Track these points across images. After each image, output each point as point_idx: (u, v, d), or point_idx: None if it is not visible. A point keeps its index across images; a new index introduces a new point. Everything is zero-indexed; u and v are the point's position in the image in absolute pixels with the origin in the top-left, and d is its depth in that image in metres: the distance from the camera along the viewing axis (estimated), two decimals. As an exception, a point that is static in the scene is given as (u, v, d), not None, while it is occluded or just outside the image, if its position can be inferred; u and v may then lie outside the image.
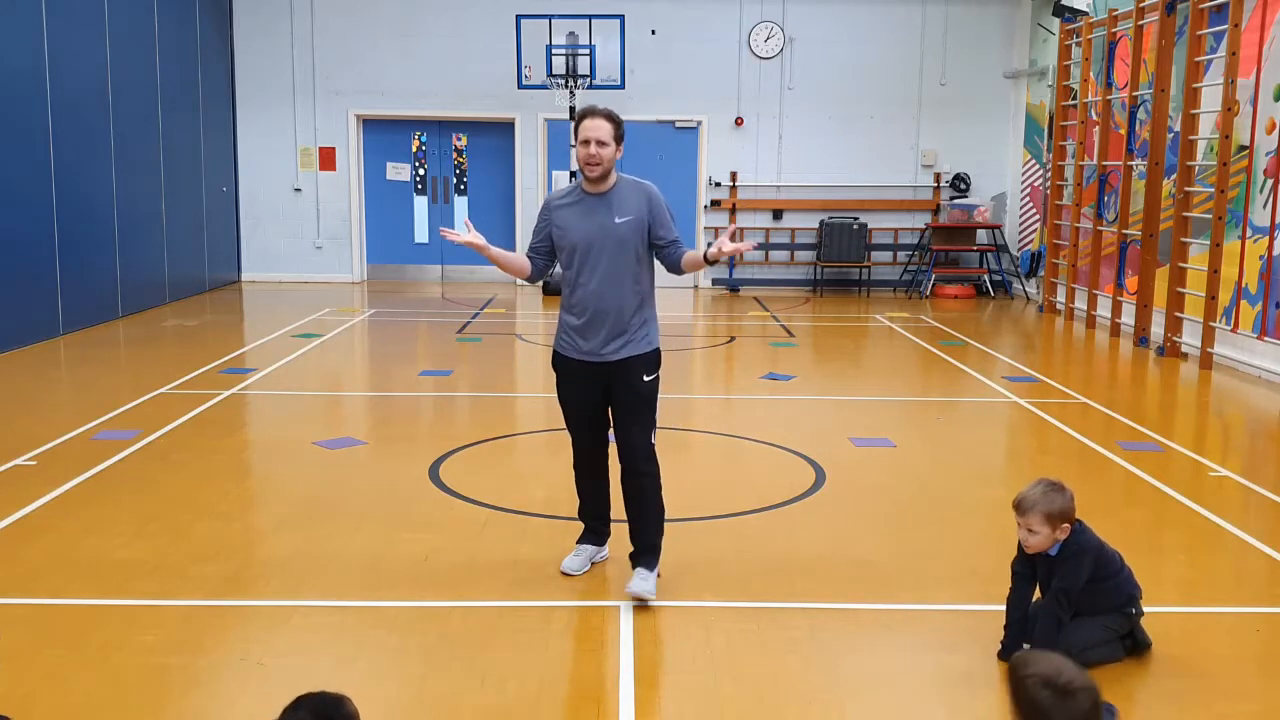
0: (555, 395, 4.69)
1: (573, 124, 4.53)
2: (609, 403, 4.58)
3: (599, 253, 4.42)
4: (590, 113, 4.42)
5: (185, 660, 3.89)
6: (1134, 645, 3.98)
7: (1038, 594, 4.01)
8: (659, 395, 4.60)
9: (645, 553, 4.54)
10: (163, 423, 7.25)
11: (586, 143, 4.35)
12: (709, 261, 4.38)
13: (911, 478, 6.35)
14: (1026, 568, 3.98)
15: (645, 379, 4.51)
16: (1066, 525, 3.85)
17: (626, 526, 4.64)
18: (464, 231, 4.56)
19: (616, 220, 4.42)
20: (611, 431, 4.65)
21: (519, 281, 15.86)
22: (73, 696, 3.61)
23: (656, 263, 4.60)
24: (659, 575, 4.54)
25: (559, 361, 4.63)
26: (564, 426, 4.74)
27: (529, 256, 4.66)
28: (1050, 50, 14.43)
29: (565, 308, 4.56)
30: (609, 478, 4.79)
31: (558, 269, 4.66)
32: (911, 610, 4.42)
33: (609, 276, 4.43)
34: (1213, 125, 10.06)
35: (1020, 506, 3.86)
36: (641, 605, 4.37)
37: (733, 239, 4.36)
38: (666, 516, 4.63)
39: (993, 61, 15.74)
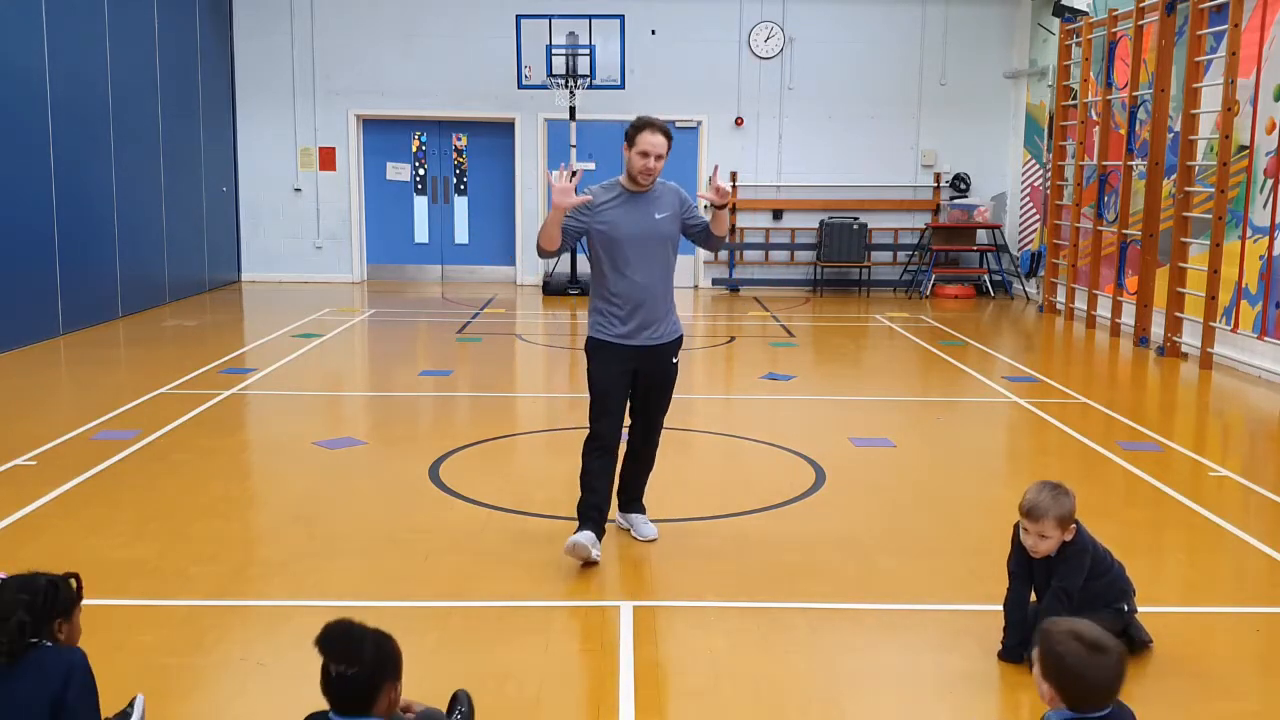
0: (587, 380, 4.89)
1: (629, 130, 4.81)
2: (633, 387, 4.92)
3: (646, 247, 4.80)
4: (651, 126, 4.73)
5: (185, 660, 3.89)
6: (1129, 644, 3.97)
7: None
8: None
9: (639, 498, 5.12)
10: (163, 423, 7.25)
11: (646, 155, 4.71)
12: (718, 208, 4.77)
13: (911, 478, 6.35)
14: (1023, 567, 3.97)
15: (674, 361, 4.95)
16: (1072, 526, 3.85)
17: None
18: (570, 185, 4.68)
19: (657, 216, 4.81)
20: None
21: (518, 281, 15.92)
22: (73, 696, 3.61)
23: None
24: None
25: (598, 345, 4.87)
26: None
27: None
28: (1050, 50, 14.43)
29: (605, 299, 4.85)
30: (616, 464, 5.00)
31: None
32: (911, 610, 4.42)
33: (654, 269, 4.83)
34: (1213, 125, 10.06)
35: (1032, 514, 3.83)
36: (642, 605, 4.39)
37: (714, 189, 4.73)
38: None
39: (993, 61, 15.74)
